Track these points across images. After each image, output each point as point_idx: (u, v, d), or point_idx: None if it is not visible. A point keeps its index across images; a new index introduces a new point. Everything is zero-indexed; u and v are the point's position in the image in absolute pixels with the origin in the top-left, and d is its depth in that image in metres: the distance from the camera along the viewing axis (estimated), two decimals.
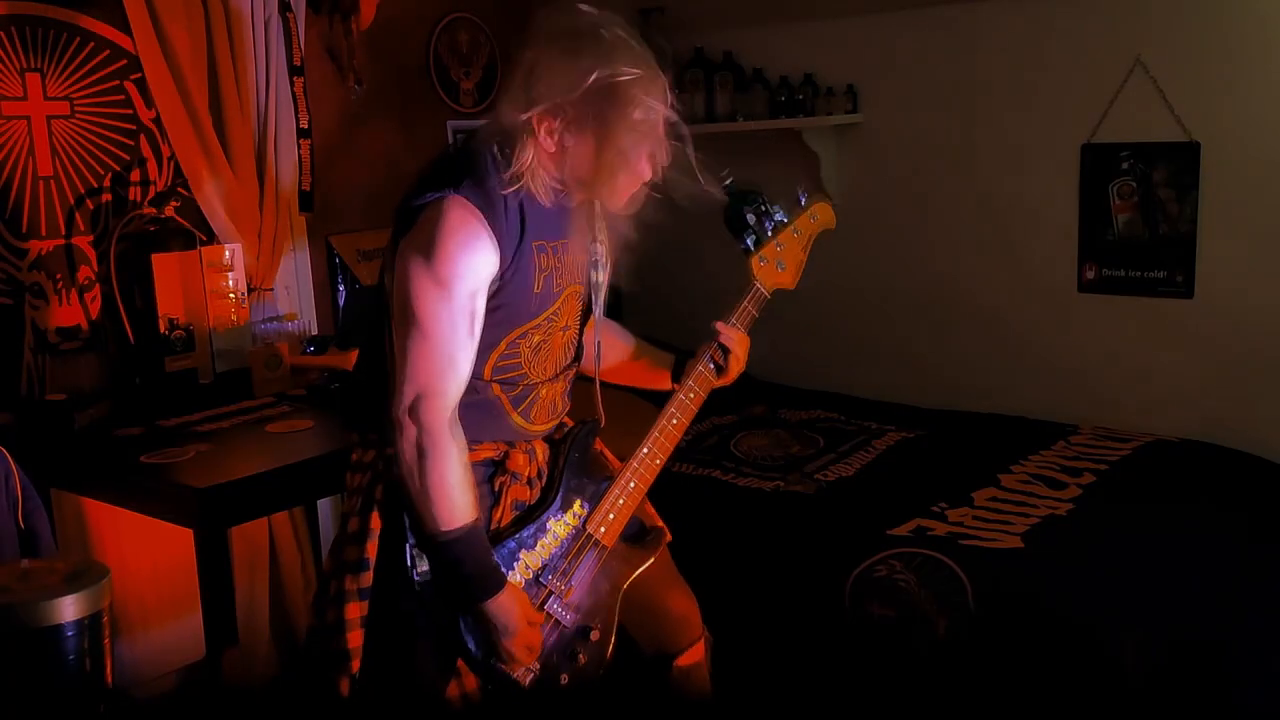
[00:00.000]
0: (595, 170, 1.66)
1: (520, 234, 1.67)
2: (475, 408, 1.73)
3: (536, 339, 1.76)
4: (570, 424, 1.93)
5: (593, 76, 1.59)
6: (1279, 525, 2.62)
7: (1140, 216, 3.22)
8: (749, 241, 1.91)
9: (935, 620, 2.38)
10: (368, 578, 1.75)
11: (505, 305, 1.70)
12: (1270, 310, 3.04)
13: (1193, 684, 2.19)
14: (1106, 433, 3.20)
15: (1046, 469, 2.92)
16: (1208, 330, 3.14)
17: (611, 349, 2.01)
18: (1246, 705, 2.18)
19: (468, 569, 1.65)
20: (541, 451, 1.85)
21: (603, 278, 1.85)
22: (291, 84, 3.20)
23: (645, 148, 1.67)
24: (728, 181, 1.91)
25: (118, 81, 2.98)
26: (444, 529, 1.63)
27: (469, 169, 1.66)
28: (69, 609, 1.50)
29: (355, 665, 1.74)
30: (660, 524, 2.01)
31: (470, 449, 1.75)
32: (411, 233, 1.65)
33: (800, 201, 1.96)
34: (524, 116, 1.63)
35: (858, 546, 2.56)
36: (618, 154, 1.64)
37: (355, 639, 1.75)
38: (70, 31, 2.87)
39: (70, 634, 1.50)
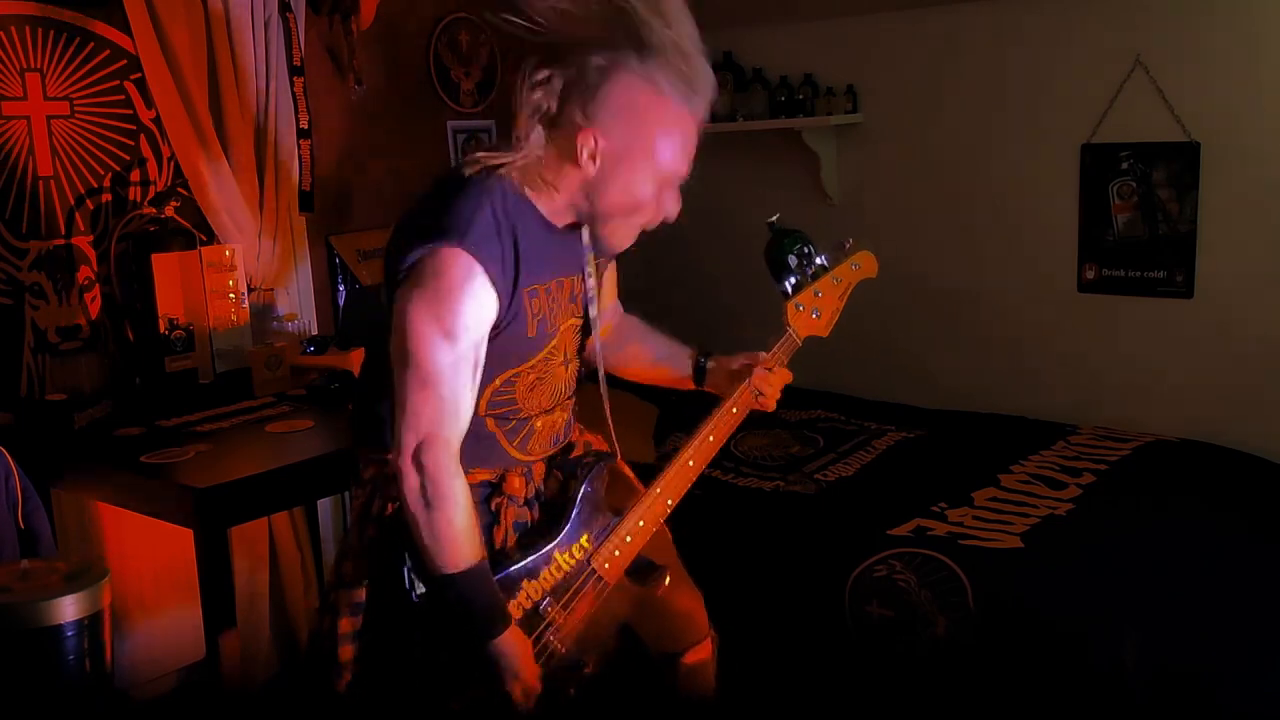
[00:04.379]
0: (626, 198, 1.63)
1: (515, 279, 1.64)
2: (469, 437, 1.71)
3: (532, 378, 1.74)
4: (583, 444, 1.91)
5: (667, 95, 1.57)
6: (1279, 525, 2.62)
7: (1140, 216, 3.22)
8: (788, 285, 1.87)
9: (935, 620, 2.38)
10: (360, 594, 1.74)
11: (501, 348, 1.67)
12: (1270, 310, 3.04)
13: (1192, 684, 2.19)
14: (1106, 433, 3.20)
15: (1046, 469, 2.92)
16: (1208, 330, 3.14)
17: (630, 354, 2.00)
18: (1247, 705, 2.18)
19: (475, 606, 1.64)
20: (539, 473, 1.83)
21: (594, 311, 1.82)
22: (291, 84, 3.20)
23: (680, 174, 1.66)
24: (773, 219, 1.90)
25: (118, 81, 2.97)
26: (452, 569, 1.61)
27: (466, 210, 1.60)
28: (69, 609, 1.50)
29: (346, 677, 1.73)
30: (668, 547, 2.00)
31: (466, 472, 1.72)
32: (414, 284, 1.61)
33: (845, 248, 1.93)
34: (580, 133, 1.58)
35: (858, 546, 2.56)
36: (658, 180, 1.63)
37: (346, 652, 1.73)
38: (70, 31, 2.87)
39: (70, 634, 1.50)
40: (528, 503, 1.80)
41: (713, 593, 2.07)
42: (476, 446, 1.73)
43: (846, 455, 3.13)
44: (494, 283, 1.60)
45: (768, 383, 1.86)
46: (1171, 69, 3.09)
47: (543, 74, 1.58)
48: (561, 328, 1.76)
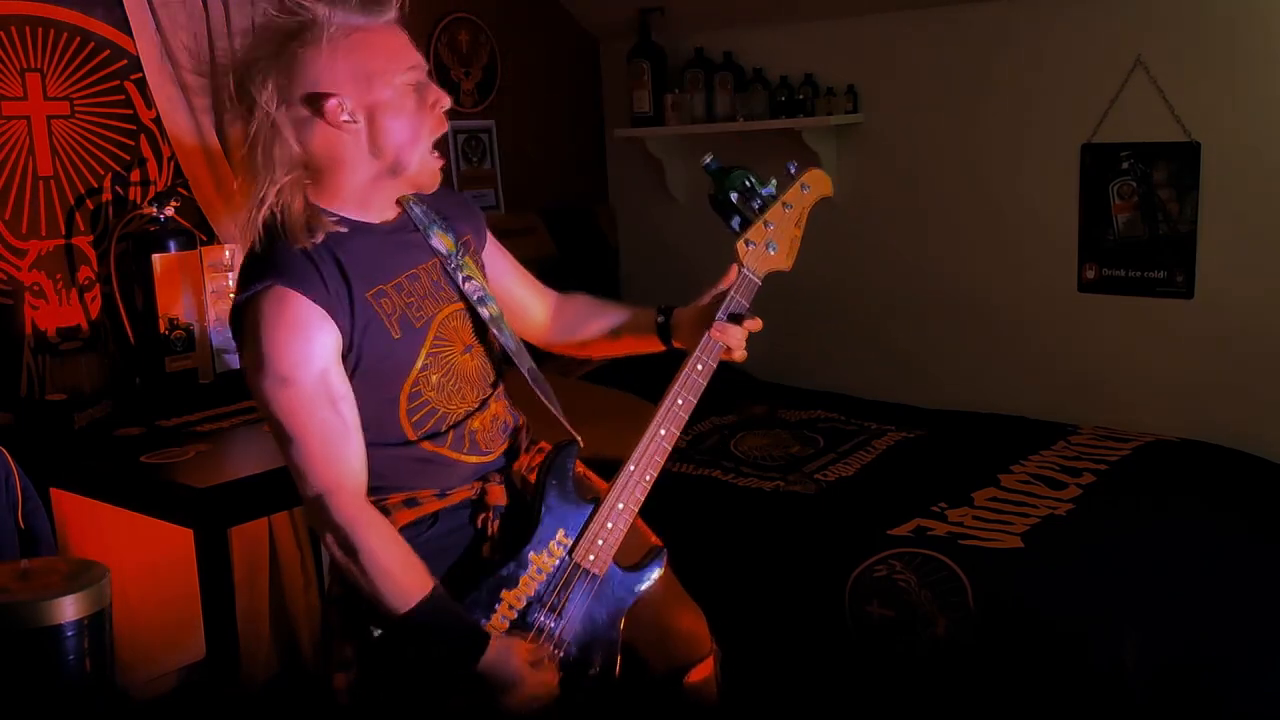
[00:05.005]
0: (403, 123, 1.59)
1: (348, 290, 1.57)
2: (422, 464, 1.68)
3: (435, 377, 1.66)
4: (547, 447, 1.84)
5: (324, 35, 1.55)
6: (1279, 525, 2.62)
7: (1140, 216, 3.22)
8: (735, 224, 1.77)
9: (935, 620, 2.38)
10: (349, 649, 1.68)
11: (374, 363, 1.60)
12: (1270, 310, 3.04)
13: (1193, 685, 2.19)
14: (1106, 433, 3.20)
15: (1046, 469, 2.92)
16: (1208, 330, 3.14)
17: (590, 333, 1.94)
18: (1247, 705, 2.18)
19: (442, 637, 1.59)
20: (520, 481, 1.78)
21: (494, 310, 1.75)
22: None
23: (419, 68, 1.66)
24: (708, 160, 1.81)
25: (118, 81, 2.98)
26: (404, 609, 1.56)
27: (267, 251, 1.57)
28: (69, 609, 1.50)
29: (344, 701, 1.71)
30: (655, 541, 1.93)
31: (444, 495, 1.69)
32: (240, 344, 1.59)
33: (791, 172, 1.83)
34: (326, 106, 1.54)
35: (858, 546, 2.56)
36: (408, 89, 1.61)
37: (344, 701, 1.69)
38: (70, 31, 2.87)
39: (70, 634, 1.50)
40: (515, 513, 1.74)
41: (712, 594, 2.07)
42: (435, 470, 1.69)
43: (846, 455, 3.13)
44: (320, 303, 1.54)
45: (729, 334, 1.73)
46: (1171, 69, 3.09)
47: (265, 93, 1.54)
48: (437, 317, 1.67)
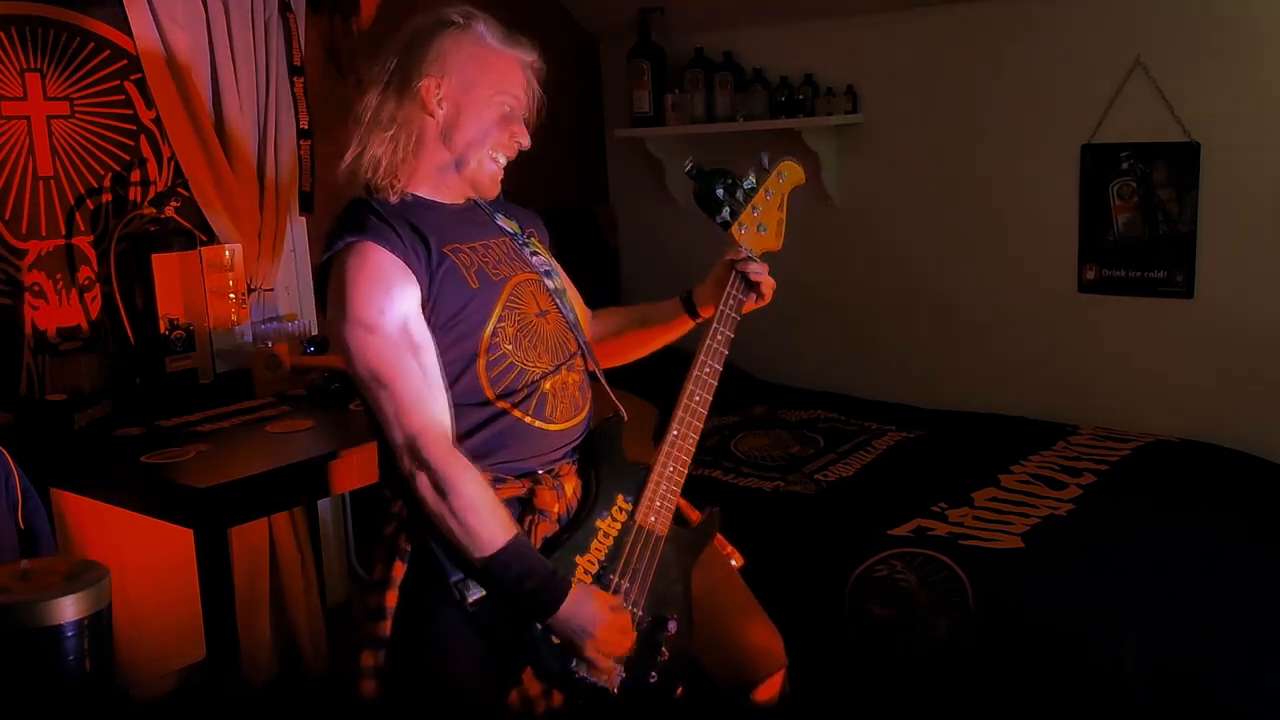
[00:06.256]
0: (477, 124, 1.73)
1: (425, 245, 1.68)
2: (496, 433, 1.71)
3: (511, 330, 1.72)
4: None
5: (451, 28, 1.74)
6: (1279, 525, 2.62)
7: (1140, 216, 3.22)
8: (725, 214, 1.91)
9: (936, 620, 2.38)
10: (385, 626, 1.71)
11: (453, 314, 1.68)
12: (1270, 310, 3.04)
13: (1192, 684, 2.19)
14: (1106, 433, 3.20)
15: (1046, 469, 2.92)
16: (1208, 330, 3.15)
17: (627, 339, 2.02)
18: (1247, 705, 2.18)
19: (529, 581, 1.63)
20: (570, 488, 1.80)
21: (560, 283, 1.86)
22: (291, 84, 3.20)
23: (518, 101, 1.79)
24: (689, 166, 1.93)
25: (118, 81, 2.97)
26: (491, 552, 1.61)
27: (351, 212, 1.71)
28: (69, 609, 1.50)
29: (368, 688, 1.72)
30: (697, 515, 1.98)
31: (494, 487, 1.72)
32: (328, 299, 1.69)
33: (764, 164, 1.97)
34: (423, 84, 1.70)
35: (858, 546, 2.56)
36: (499, 104, 1.75)
37: (368, 687, 1.71)
38: (70, 31, 2.87)
39: (70, 634, 1.50)
40: (559, 520, 1.77)
41: None
42: (506, 441, 1.72)
43: (847, 455, 3.13)
44: (398, 254, 1.65)
45: (763, 274, 1.87)
46: (1171, 69, 3.09)
47: (384, 64, 1.74)
48: (513, 279, 1.77)
